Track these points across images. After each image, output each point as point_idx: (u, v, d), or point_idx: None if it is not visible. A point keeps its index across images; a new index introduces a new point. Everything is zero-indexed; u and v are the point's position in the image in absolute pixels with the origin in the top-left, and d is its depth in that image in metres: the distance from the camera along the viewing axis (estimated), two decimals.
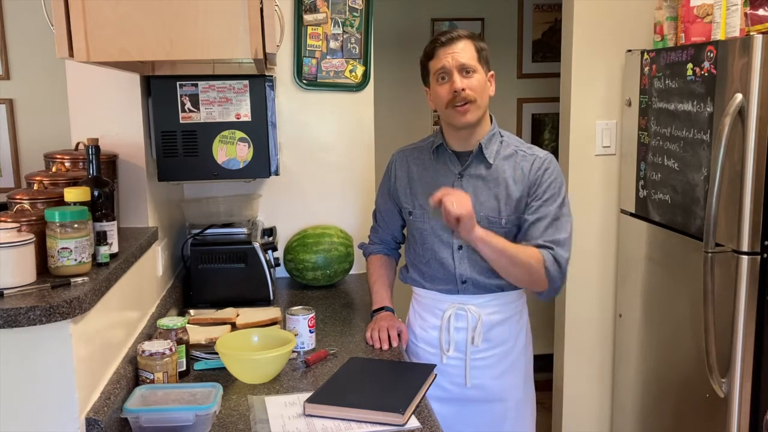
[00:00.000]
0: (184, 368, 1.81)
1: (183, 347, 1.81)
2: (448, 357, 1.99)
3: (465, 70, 1.86)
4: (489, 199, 1.92)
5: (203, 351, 1.92)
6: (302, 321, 1.97)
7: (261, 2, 1.50)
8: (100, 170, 1.69)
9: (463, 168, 1.95)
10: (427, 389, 1.72)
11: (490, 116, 1.98)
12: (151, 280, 2.06)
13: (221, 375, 1.81)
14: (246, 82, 2.18)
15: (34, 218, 1.48)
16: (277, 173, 2.29)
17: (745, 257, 2.16)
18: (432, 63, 1.91)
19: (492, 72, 1.94)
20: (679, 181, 2.45)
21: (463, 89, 1.84)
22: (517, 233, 1.94)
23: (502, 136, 1.98)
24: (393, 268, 2.21)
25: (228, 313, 2.18)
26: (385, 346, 1.98)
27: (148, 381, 1.68)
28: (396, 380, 1.74)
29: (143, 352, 1.69)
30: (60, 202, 1.58)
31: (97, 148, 1.68)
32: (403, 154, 2.08)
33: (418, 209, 2.00)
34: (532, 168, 1.92)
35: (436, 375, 1.80)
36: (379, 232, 2.20)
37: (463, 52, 1.86)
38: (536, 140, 4.21)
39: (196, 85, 2.16)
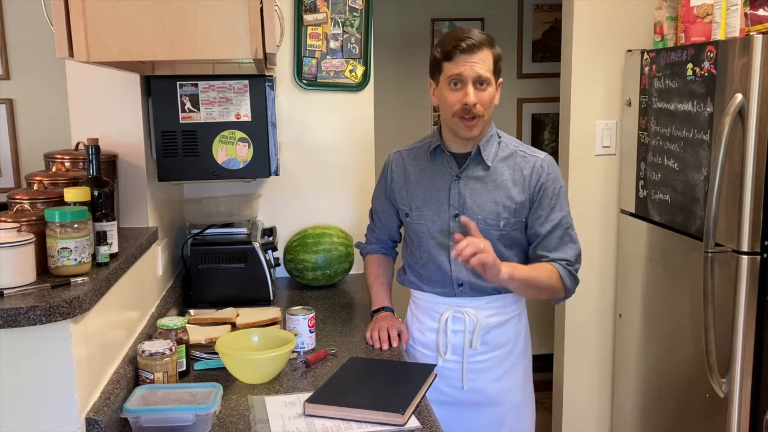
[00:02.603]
0: (184, 368, 1.81)
1: (183, 347, 1.81)
2: (445, 360, 1.98)
3: (480, 82, 1.82)
4: (487, 202, 1.91)
5: (203, 351, 1.92)
6: (302, 321, 1.97)
7: (261, 2, 1.50)
8: (100, 170, 1.69)
9: (461, 170, 1.94)
10: (427, 389, 1.72)
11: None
12: (151, 280, 2.06)
13: (221, 375, 1.81)
14: (246, 82, 2.18)
15: (34, 218, 1.48)
16: (277, 173, 2.29)
17: (745, 257, 2.16)
18: (448, 65, 1.84)
19: (501, 80, 1.91)
20: (679, 181, 2.45)
21: (474, 104, 1.82)
22: (517, 237, 1.94)
23: (500, 137, 1.97)
24: (391, 267, 2.21)
25: (228, 313, 2.18)
26: (385, 347, 1.98)
27: (148, 381, 1.68)
28: (396, 380, 1.74)
29: (143, 352, 1.69)
30: (60, 202, 1.58)
31: (97, 148, 1.68)
32: (400, 155, 2.07)
33: (415, 211, 1.99)
34: (533, 172, 1.91)
35: (436, 375, 1.79)
36: (376, 231, 2.20)
37: (482, 63, 1.82)
38: (536, 140, 4.22)
39: (196, 85, 2.16)
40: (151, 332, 1.89)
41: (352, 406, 1.57)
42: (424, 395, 1.68)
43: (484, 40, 1.84)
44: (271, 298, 2.38)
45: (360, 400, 1.59)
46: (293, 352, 1.92)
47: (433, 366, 1.82)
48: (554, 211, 1.92)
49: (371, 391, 1.67)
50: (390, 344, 1.99)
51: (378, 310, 2.10)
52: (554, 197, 1.92)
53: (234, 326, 2.10)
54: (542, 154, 1.95)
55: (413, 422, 1.55)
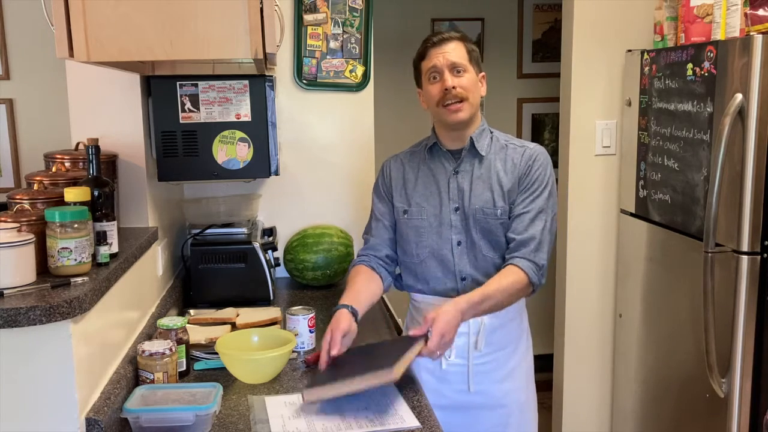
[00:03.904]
0: (184, 368, 1.81)
1: (183, 347, 1.81)
2: (448, 363, 1.97)
3: (456, 69, 1.88)
4: (484, 191, 1.93)
5: (203, 351, 1.92)
6: (302, 321, 1.97)
7: (261, 2, 1.50)
8: (100, 170, 1.69)
9: (458, 164, 1.96)
10: (419, 353, 1.69)
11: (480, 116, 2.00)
12: (151, 280, 2.06)
13: (221, 375, 1.81)
14: (246, 82, 2.18)
15: (34, 218, 1.48)
16: (277, 173, 2.29)
17: (745, 257, 2.16)
18: (424, 63, 1.93)
19: (483, 73, 1.96)
20: (679, 181, 2.45)
21: (454, 87, 1.87)
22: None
23: (491, 132, 2.00)
24: (377, 284, 1.98)
25: (228, 313, 2.18)
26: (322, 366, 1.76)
27: (148, 381, 1.68)
28: (386, 350, 1.76)
29: (143, 352, 1.69)
30: (60, 202, 1.58)
31: (97, 148, 1.68)
32: (398, 158, 2.09)
33: (415, 207, 1.99)
34: (523, 159, 1.94)
35: (427, 338, 1.72)
36: (370, 240, 2.05)
37: (454, 51, 1.89)
38: (536, 140, 4.21)
39: (196, 85, 2.16)
40: (151, 332, 1.89)
41: (345, 378, 1.58)
42: (414, 357, 1.68)
43: (454, 35, 1.93)
44: (271, 298, 2.38)
45: (352, 372, 1.60)
46: (293, 352, 1.92)
47: (424, 335, 1.74)
48: (532, 196, 1.90)
49: (362, 363, 1.68)
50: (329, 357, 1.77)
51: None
52: (536, 182, 1.91)
53: (234, 326, 2.10)
54: (533, 145, 1.98)
55: (413, 422, 1.55)
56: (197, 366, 1.87)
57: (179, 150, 2.17)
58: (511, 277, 1.85)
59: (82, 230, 1.49)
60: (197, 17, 1.48)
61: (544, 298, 3.41)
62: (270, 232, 2.65)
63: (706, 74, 2.27)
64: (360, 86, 2.72)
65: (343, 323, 1.76)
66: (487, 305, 1.82)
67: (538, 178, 1.92)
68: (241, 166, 2.21)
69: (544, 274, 1.91)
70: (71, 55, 1.45)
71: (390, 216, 2.07)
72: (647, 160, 2.67)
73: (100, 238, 1.59)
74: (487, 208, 1.92)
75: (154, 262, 2.09)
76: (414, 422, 1.55)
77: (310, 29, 2.66)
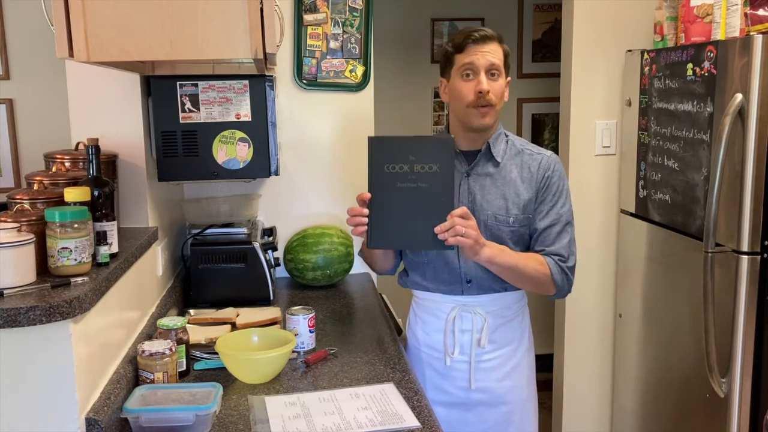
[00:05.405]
0: (184, 368, 1.81)
1: (183, 347, 1.81)
2: (452, 359, 1.98)
3: (492, 72, 1.85)
4: (496, 197, 1.92)
5: (203, 351, 1.92)
6: (302, 321, 1.97)
7: (261, 2, 1.50)
8: (100, 170, 1.69)
9: (471, 167, 1.95)
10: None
11: None
12: (151, 280, 2.06)
13: (221, 375, 1.81)
14: (246, 82, 2.18)
15: (34, 218, 1.48)
16: (277, 173, 2.29)
17: (745, 257, 2.16)
18: (459, 56, 1.88)
19: (509, 78, 1.94)
20: (679, 181, 2.45)
21: (488, 92, 1.84)
22: (524, 233, 1.93)
23: (507, 136, 1.99)
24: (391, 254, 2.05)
25: (228, 313, 2.18)
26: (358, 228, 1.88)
27: (148, 381, 1.68)
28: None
29: (143, 352, 1.69)
30: (60, 202, 1.58)
31: (97, 148, 1.68)
32: None
33: None
34: (540, 168, 1.93)
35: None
36: None
37: (494, 53, 1.86)
38: (536, 140, 4.22)
39: (196, 85, 2.16)
40: (151, 332, 1.89)
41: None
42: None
43: (494, 34, 1.89)
44: (271, 298, 2.38)
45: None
46: (293, 352, 1.92)
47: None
48: (555, 207, 1.93)
49: None
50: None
51: None
52: (557, 193, 1.93)
53: (234, 326, 2.10)
54: (548, 152, 1.97)
55: (413, 422, 1.55)
56: (197, 366, 1.87)
57: (179, 150, 2.17)
58: (536, 261, 1.89)
59: (82, 230, 1.49)
60: (197, 17, 1.48)
61: (544, 298, 3.41)
62: (270, 232, 2.65)
63: (706, 74, 2.27)
64: (360, 86, 2.72)
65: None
66: (507, 257, 1.84)
67: (558, 189, 1.93)
68: (241, 166, 2.21)
69: (571, 282, 1.93)
70: (71, 55, 1.45)
71: None
72: (647, 160, 2.67)
73: (100, 238, 1.59)
74: (500, 215, 1.91)
75: (154, 262, 2.09)
76: (414, 422, 1.55)
77: (310, 29, 2.66)
